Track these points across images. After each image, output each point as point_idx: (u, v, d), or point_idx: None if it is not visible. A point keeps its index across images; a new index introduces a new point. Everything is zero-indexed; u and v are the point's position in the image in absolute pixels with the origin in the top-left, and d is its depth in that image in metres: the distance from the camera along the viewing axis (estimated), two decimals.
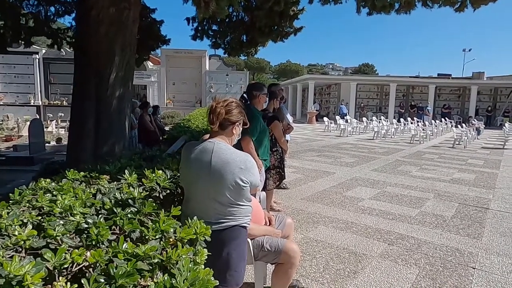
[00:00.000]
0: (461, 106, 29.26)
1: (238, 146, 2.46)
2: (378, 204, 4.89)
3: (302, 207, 4.68)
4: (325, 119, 18.48)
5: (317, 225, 3.98)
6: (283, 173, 4.08)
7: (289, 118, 5.21)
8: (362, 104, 25.99)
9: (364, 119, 19.78)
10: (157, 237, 1.30)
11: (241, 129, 2.08)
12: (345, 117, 20.15)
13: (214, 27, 7.15)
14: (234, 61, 39.04)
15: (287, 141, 5.35)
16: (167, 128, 9.01)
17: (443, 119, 21.58)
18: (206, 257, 1.28)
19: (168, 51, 19.68)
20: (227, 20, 7.08)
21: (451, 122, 21.36)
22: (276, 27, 6.10)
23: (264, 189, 3.91)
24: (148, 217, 1.56)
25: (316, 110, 24.52)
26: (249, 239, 2.09)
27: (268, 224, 2.39)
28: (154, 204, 1.59)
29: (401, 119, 20.09)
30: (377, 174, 7.12)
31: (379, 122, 18.28)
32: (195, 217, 1.52)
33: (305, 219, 4.19)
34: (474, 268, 3.02)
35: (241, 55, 8.68)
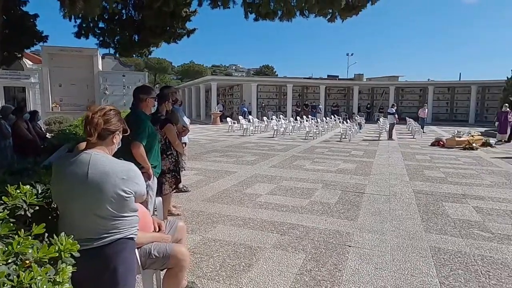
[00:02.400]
0: (347, 104, 33.17)
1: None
2: (274, 198, 5.22)
3: (202, 208, 4.70)
4: (228, 119, 18.85)
5: (216, 225, 4.06)
6: (178, 177, 4.03)
7: (186, 120, 5.17)
8: (263, 104, 27.30)
9: (265, 118, 20.81)
10: (9, 261, 1.16)
11: (121, 137, 2.00)
12: (247, 117, 20.89)
13: (101, 25, 6.64)
14: (132, 61, 36.81)
15: (184, 143, 5.32)
16: (49, 136, 8.01)
17: (332, 116, 24.14)
18: (71, 274, 1.19)
19: (51, 48, 17.47)
20: (116, 18, 6.64)
21: (339, 119, 23.97)
22: (168, 28, 5.97)
23: (160, 194, 3.82)
24: (4, 240, 1.39)
25: (219, 111, 24.83)
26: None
27: (157, 230, 2.34)
28: (12, 225, 1.42)
29: (298, 117, 21.77)
30: (275, 170, 7.58)
31: (279, 120, 19.45)
32: (62, 234, 1.41)
33: (204, 220, 4.23)
34: (350, 246, 3.48)
35: (136, 55, 8.24)
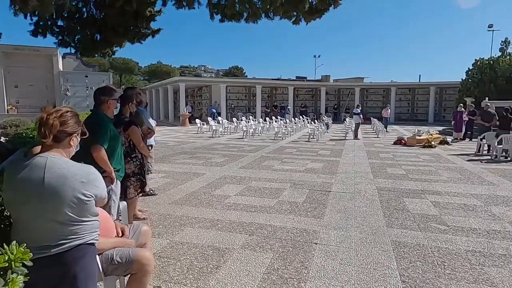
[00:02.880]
0: (315, 105, 33.86)
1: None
2: (242, 199, 5.23)
3: (170, 211, 4.62)
4: (197, 121, 18.65)
5: (184, 228, 4.00)
6: (144, 180, 3.94)
7: (151, 122, 5.06)
8: (232, 105, 27.26)
9: (235, 119, 20.80)
10: None
11: (79, 139, 1.93)
12: (216, 118, 20.78)
13: (60, 23, 6.34)
14: (96, 61, 35.44)
15: (150, 146, 5.21)
16: (3, 140, 7.53)
17: (301, 117, 24.56)
18: (23, 284, 1.14)
19: (6, 47, 16.47)
20: (76, 16, 6.38)
21: (307, 119, 24.42)
22: (132, 27, 5.82)
23: (125, 198, 3.72)
24: None
25: (188, 112, 24.51)
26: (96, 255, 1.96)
27: (120, 235, 2.28)
28: None
29: (267, 118, 21.95)
30: (244, 171, 7.60)
31: (248, 121, 19.51)
32: (13, 242, 1.34)
33: (172, 223, 4.16)
34: (316, 244, 3.56)
35: (98, 55, 7.96)
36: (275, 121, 20.26)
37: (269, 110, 28.67)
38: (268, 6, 4.45)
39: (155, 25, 6.27)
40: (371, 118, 23.08)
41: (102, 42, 6.24)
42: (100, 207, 2.03)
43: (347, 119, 21.15)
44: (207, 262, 3.13)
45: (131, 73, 65.53)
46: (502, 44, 25.38)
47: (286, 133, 16.34)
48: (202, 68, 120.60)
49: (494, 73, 22.73)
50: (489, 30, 29.57)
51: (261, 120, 21.87)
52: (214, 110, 24.54)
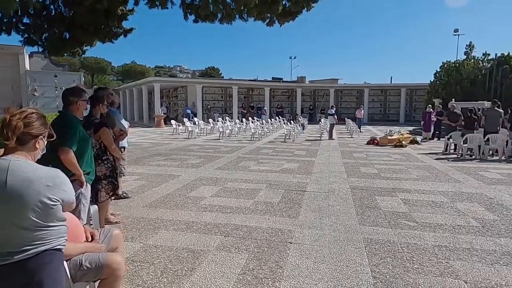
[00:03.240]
0: (291, 106, 34.23)
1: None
2: (218, 201, 5.21)
3: (143, 214, 4.54)
4: (173, 122, 18.39)
5: (158, 231, 3.94)
6: (116, 183, 3.85)
7: (124, 123, 4.95)
8: (208, 106, 27.09)
9: (211, 120, 20.68)
10: None
11: (45, 142, 1.87)
12: (192, 119, 20.58)
13: (26, 20, 6.08)
14: (66, 61, 34.19)
15: (123, 148, 5.09)
16: None
17: (277, 118, 24.75)
18: None
19: None
20: (43, 13, 6.13)
21: (283, 120, 24.65)
22: (103, 26, 5.66)
23: (96, 202, 3.62)
24: None
25: (164, 113, 24.12)
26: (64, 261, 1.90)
27: (90, 240, 2.22)
28: None
29: (243, 119, 21.96)
30: (220, 172, 7.57)
31: (224, 122, 19.45)
32: None
33: (145, 226, 4.08)
34: (291, 243, 3.60)
35: (67, 54, 7.69)
36: (252, 122, 20.31)
37: (245, 111, 28.70)
38: (242, 8, 4.47)
39: (128, 24, 6.14)
40: (346, 118, 23.61)
41: (71, 41, 6.02)
42: (70, 211, 1.98)
43: (322, 120, 21.53)
44: (181, 264, 3.09)
45: (104, 73, 63.71)
46: (466, 48, 26.67)
47: (263, 133, 16.42)
48: (178, 68, 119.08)
49: (459, 75, 23.84)
50: (455, 35, 31.01)
51: (237, 121, 21.85)
52: (189, 111, 24.29)
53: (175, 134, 17.36)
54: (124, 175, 5.33)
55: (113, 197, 4.14)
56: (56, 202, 1.69)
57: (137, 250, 3.41)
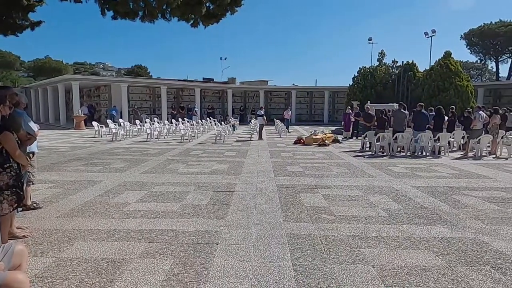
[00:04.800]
0: (222, 106, 34.29)
1: None
2: (143, 206, 5.01)
3: (57, 226, 4.15)
4: (95, 123, 17.11)
5: (74, 242, 3.64)
6: (21, 193, 3.46)
7: (33, 126, 4.45)
8: (135, 106, 25.77)
9: (138, 121, 19.71)
10: None
11: None
12: (117, 120, 19.39)
13: None
14: None
15: (32, 153, 4.61)
16: None
17: (208, 118, 24.58)
18: None
19: None
20: None
21: (214, 121, 24.58)
22: (4, 17, 5.03)
23: None
24: None
25: (84, 114, 22.30)
26: None
27: None
28: None
29: (173, 120, 21.36)
30: (147, 175, 7.27)
31: (153, 123, 18.70)
32: None
33: (59, 238, 3.74)
34: (217, 244, 3.63)
35: None
36: (182, 123, 19.86)
37: (175, 112, 27.90)
38: (164, 7, 4.35)
39: (35, 17, 5.52)
40: (275, 119, 24.45)
41: None
42: None
43: (252, 121, 21.97)
44: (100, 276, 2.91)
45: (11, 68, 56.58)
46: (379, 55, 29.57)
47: (193, 135, 16.18)
48: (101, 65, 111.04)
49: (374, 80, 26.37)
50: (369, 43, 34.21)
51: (166, 122, 21.17)
52: (114, 113, 22.83)
53: (97, 137, 16.17)
54: (33, 184, 4.81)
55: (20, 209, 3.72)
56: None
57: (48, 265, 3.11)
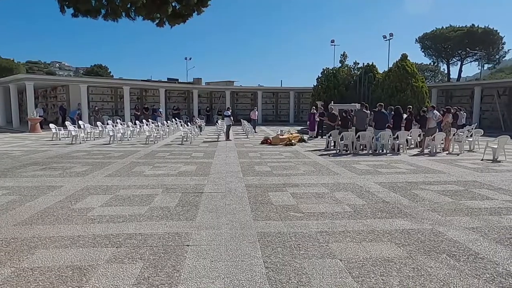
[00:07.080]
0: (188, 107, 33.77)
1: None
2: (109, 210, 4.85)
3: (15, 234, 3.91)
4: (52, 125, 16.22)
5: (35, 251, 3.46)
6: None
7: None
8: (96, 108, 24.71)
9: (99, 123, 18.94)
10: None
11: None
12: (77, 123, 18.51)
13: None
14: None
15: None
16: None
17: (174, 119, 24.13)
18: None
19: None
20: None
21: (180, 122, 24.17)
22: None
23: None
24: None
25: (40, 116, 21.05)
26: None
27: None
28: None
29: (137, 122, 20.74)
30: (111, 179, 7.03)
31: (115, 125, 18.05)
32: None
33: (18, 248, 3.53)
34: (188, 245, 3.61)
35: None
36: (146, 124, 19.35)
37: (139, 113, 27.08)
38: (128, 5, 4.23)
39: None
40: (241, 120, 24.49)
41: None
42: None
43: (219, 121, 21.86)
44: (65, 285, 2.79)
45: None
46: (341, 57, 30.55)
47: (158, 136, 15.81)
48: (57, 65, 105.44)
49: (336, 81, 27.19)
50: (332, 45, 35.22)
51: (130, 123, 20.51)
52: (76, 114, 21.79)
53: (55, 140, 15.34)
54: None
55: None
56: None
57: (7, 276, 2.93)
